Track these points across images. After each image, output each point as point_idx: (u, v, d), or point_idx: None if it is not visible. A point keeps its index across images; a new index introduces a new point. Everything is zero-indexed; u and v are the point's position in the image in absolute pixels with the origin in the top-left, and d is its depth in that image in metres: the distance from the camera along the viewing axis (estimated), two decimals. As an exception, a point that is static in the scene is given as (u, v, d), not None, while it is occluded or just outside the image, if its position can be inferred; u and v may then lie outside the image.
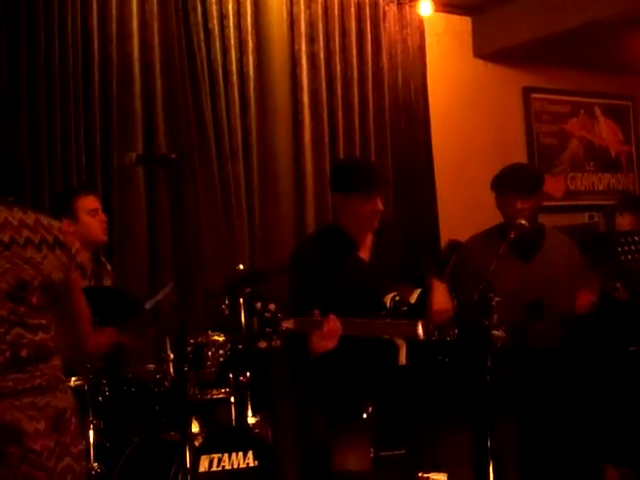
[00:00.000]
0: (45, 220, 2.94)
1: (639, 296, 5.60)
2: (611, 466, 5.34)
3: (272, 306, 4.03)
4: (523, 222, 4.70)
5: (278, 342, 4.06)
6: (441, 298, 4.52)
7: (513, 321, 4.48)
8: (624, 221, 6.24)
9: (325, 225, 5.27)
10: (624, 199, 6.66)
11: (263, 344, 4.04)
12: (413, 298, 4.55)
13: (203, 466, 4.41)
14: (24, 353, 2.76)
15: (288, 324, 4.07)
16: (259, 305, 4.03)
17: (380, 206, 4.52)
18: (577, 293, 4.96)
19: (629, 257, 5.53)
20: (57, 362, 2.88)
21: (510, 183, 4.98)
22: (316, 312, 4.17)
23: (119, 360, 4.79)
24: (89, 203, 5.12)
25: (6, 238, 2.77)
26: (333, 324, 4.14)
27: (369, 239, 4.61)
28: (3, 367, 2.71)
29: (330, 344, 4.19)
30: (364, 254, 4.59)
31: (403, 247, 4.75)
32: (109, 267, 5.31)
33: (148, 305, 4.94)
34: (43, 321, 2.87)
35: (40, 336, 2.83)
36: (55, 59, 5.78)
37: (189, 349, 4.84)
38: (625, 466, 5.36)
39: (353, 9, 7.23)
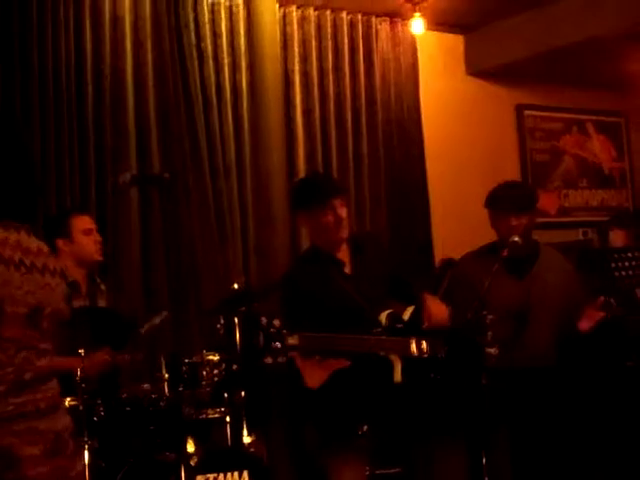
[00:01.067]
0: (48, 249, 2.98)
1: (633, 312, 5.62)
2: (607, 481, 5.34)
3: (277, 322, 4.02)
4: (517, 239, 4.70)
5: (284, 358, 4.05)
6: (435, 304, 4.49)
7: (505, 338, 4.48)
8: (616, 237, 6.26)
9: (306, 249, 5.23)
10: (616, 216, 6.69)
11: (269, 360, 4.03)
12: (406, 315, 4.54)
13: (198, 486, 4.40)
14: (27, 376, 2.76)
15: (293, 340, 4.06)
16: (264, 320, 4.02)
17: (341, 214, 4.48)
18: (584, 311, 4.95)
19: (623, 273, 5.54)
20: (55, 384, 2.88)
21: (504, 200, 4.99)
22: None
23: (114, 380, 4.79)
24: (84, 223, 5.13)
25: (28, 262, 2.79)
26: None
27: (346, 253, 4.59)
28: (6, 390, 2.70)
29: (322, 377, 4.19)
30: (346, 268, 4.58)
31: (384, 261, 4.72)
32: (103, 287, 5.30)
33: (143, 330, 4.94)
34: (49, 346, 2.87)
35: (43, 361, 2.83)
36: (49, 79, 5.80)
37: (184, 369, 4.83)
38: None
39: (346, 27, 7.26)
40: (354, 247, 4.60)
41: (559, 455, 4.86)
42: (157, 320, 4.89)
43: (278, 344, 3.98)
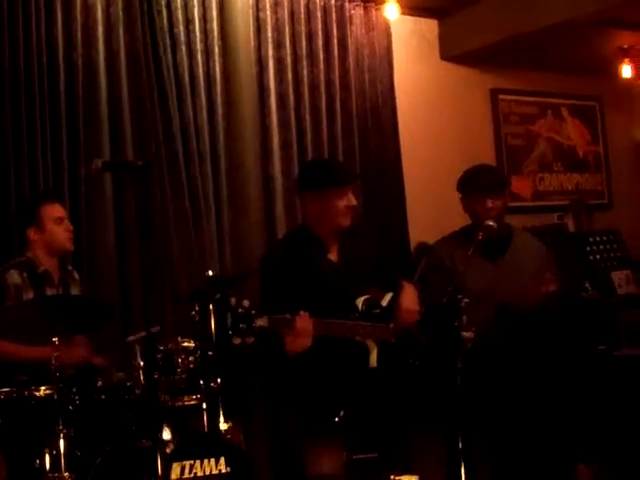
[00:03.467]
0: None
1: (607, 295, 5.65)
2: (583, 464, 5.36)
3: (246, 302, 4.03)
4: (491, 223, 4.71)
5: (251, 339, 4.05)
6: (408, 299, 4.53)
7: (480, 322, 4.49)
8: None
9: (294, 229, 5.26)
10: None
11: (237, 340, 4.03)
12: (385, 301, 4.55)
13: (175, 473, 4.37)
14: None
15: (262, 322, 4.05)
16: (233, 301, 4.02)
17: (353, 201, 4.53)
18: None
19: (597, 257, 5.58)
20: None
21: (479, 183, 5.00)
22: (287, 314, 4.16)
23: (89, 369, 4.79)
24: (55, 211, 5.10)
25: None
26: (305, 321, 4.14)
27: (336, 241, 4.61)
28: None
29: (304, 343, 4.18)
30: (332, 256, 4.59)
31: (370, 247, 4.74)
32: (76, 275, 5.28)
33: (131, 339, 4.93)
34: None
35: None
36: (20, 66, 5.75)
37: (159, 356, 4.81)
38: (596, 463, 5.38)
39: (319, 13, 7.23)
40: (343, 234, 4.61)
41: (535, 438, 4.88)
42: (144, 333, 4.87)
43: (244, 325, 3.98)
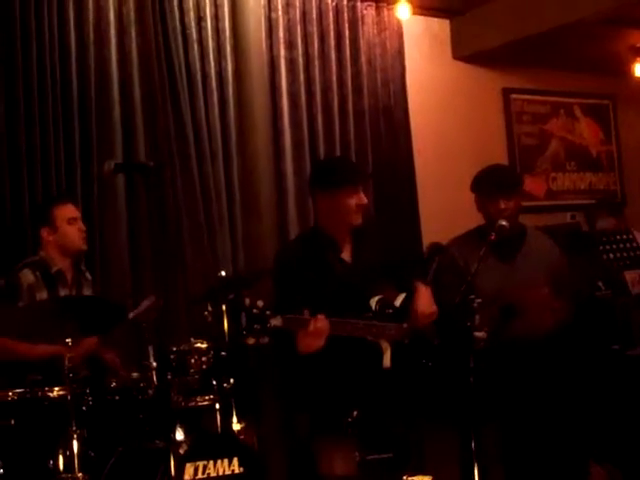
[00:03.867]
0: None
1: (621, 295, 5.62)
2: (596, 463, 5.35)
3: (260, 303, 4.02)
4: (504, 223, 4.69)
5: (266, 339, 4.05)
6: (425, 301, 4.51)
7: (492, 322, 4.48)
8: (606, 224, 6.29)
9: (307, 229, 5.27)
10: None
11: (251, 340, 4.03)
12: (398, 301, 4.55)
13: (188, 474, 4.38)
14: None
15: (276, 321, 4.05)
16: (247, 301, 4.02)
17: (364, 199, 4.53)
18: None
19: (611, 256, 5.55)
20: None
21: (492, 183, 4.99)
22: (305, 311, 4.15)
23: (102, 369, 4.79)
24: (68, 212, 5.12)
25: None
26: (321, 323, 4.13)
27: (349, 240, 4.61)
28: None
29: (317, 343, 4.18)
30: (346, 255, 4.59)
31: (383, 248, 4.74)
32: (89, 276, 5.29)
33: (131, 315, 4.93)
34: None
35: None
36: (33, 65, 5.77)
37: (172, 357, 4.82)
38: (610, 463, 5.37)
39: (331, 13, 7.24)
40: (356, 233, 4.61)
41: (548, 438, 4.87)
42: (144, 305, 4.88)
43: (258, 326, 3.98)
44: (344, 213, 4.50)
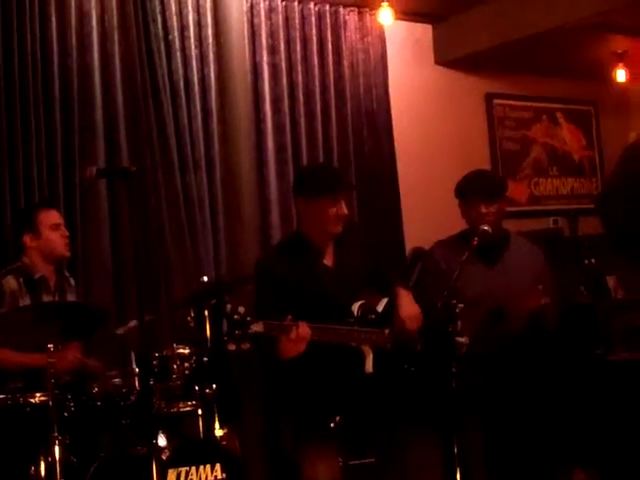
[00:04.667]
0: None
1: (603, 300, 5.64)
2: (579, 469, 5.36)
3: (242, 309, 4.02)
4: (486, 228, 4.71)
5: (247, 345, 4.04)
6: (408, 305, 4.52)
7: (476, 326, 4.49)
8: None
9: (288, 234, 5.28)
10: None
11: (232, 346, 4.03)
12: (380, 306, 4.55)
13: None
14: None
15: (257, 327, 4.05)
16: (228, 307, 4.02)
17: (344, 210, 4.52)
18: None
19: (592, 261, 5.58)
20: None
21: (474, 189, 4.99)
22: (288, 317, 4.15)
23: (84, 375, 4.78)
24: (51, 218, 5.11)
25: None
26: (302, 330, 4.13)
27: (331, 246, 4.61)
28: None
29: (298, 348, 4.18)
30: (328, 261, 4.59)
31: (366, 253, 4.74)
32: (72, 282, 5.28)
33: (120, 331, 4.93)
34: None
35: None
36: (15, 73, 5.75)
37: (154, 362, 4.82)
38: (592, 468, 5.38)
39: (314, 18, 7.24)
40: (338, 238, 4.61)
41: (530, 442, 4.88)
42: (132, 324, 4.86)
43: (239, 332, 3.98)
44: (323, 221, 4.50)
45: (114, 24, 6.22)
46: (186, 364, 4.86)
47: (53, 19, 5.96)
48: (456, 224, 5.18)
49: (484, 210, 4.90)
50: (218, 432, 4.88)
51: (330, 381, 4.39)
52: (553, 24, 7.32)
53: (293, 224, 6.59)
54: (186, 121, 6.48)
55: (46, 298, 5.02)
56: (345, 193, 4.63)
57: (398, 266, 5.76)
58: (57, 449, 4.23)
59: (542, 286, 4.83)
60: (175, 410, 4.80)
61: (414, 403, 4.44)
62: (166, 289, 6.19)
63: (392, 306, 4.53)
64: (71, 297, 5.20)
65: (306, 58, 7.20)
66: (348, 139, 7.36)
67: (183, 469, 4.44)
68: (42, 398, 4.38)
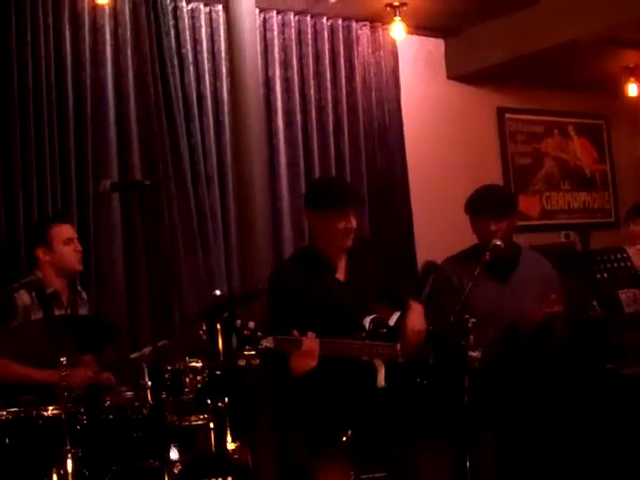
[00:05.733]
0: None
1: (615, 314, 5.63)
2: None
3: (252, 324, 4.02)
4: (498, 243, 4.69)
5: (257, 360, 4.04)
6: (416, 319, 4.51)
7: (489, 342, 4.49)
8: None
9: (302, 248, 5.28)
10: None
11: (242, 362, 4.03)
12: (392, 320, 4.54)
13: (182, 493, 4.39)
14: None
15: (267, 342, 4.05)
16: (238, 323, 4.02)
17: (353, 223, 4.51)
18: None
19: (605, 275, 5.57)
20: None
21: (483, 205, 4.96)
22: (294, 332, 4.15)
23: (96, 389, 4.78)
24: (64, 232, 5.11)
25: None
26: (311, 342, 4.13)
27: (344, 259, 4.61)
28: None
29: (310, 363, 4.17)
30: (340, 275, 4.59)
31: (378, 267, 4.74)
32: (85, 295, 5.29)
33: (135, 355, 4.94)
34: None
35: None
36: (29, 88, 5.79)
37: (167, 376, 4.82)
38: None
39: (326, 33, 7.28)
40: (351, 252, 4.61)
41: (543, 457, 4.87)
42: (147, 350, 4.87)
43: (249, 347, 3.98)
44: (333, 235, 4.49)
45: (127, 38, 6.26)
46: (198, 377, 4.85)
47: (67, 34, 6.00)
48: (468, 238, 5.17)
49: (494, 227, 4.87)
50: (230, 446, 4.87)
51: (342, 395, 4.38)
52: (565, 39, 7.33)
53: (305, 238, 6.61)
54: (199, 135, 6.51)
55: (58, 312, 5.01)
56: (354, 206, 4.62)
57: (410, 280, 5.75)
58: (70, 462, 4.23)
59: (555, 295, 4.82)
60: (187, 424, 4.79)
61: (426, 417, 4.43)
62: (179, 302, 6.20)
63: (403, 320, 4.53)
64: (83, 311, 5.20)
65: (318, 72, 7.23)
66: (360, 153, 7.38)
67: (195, 482, 4.44)
68: (55, 411, 4.37)
